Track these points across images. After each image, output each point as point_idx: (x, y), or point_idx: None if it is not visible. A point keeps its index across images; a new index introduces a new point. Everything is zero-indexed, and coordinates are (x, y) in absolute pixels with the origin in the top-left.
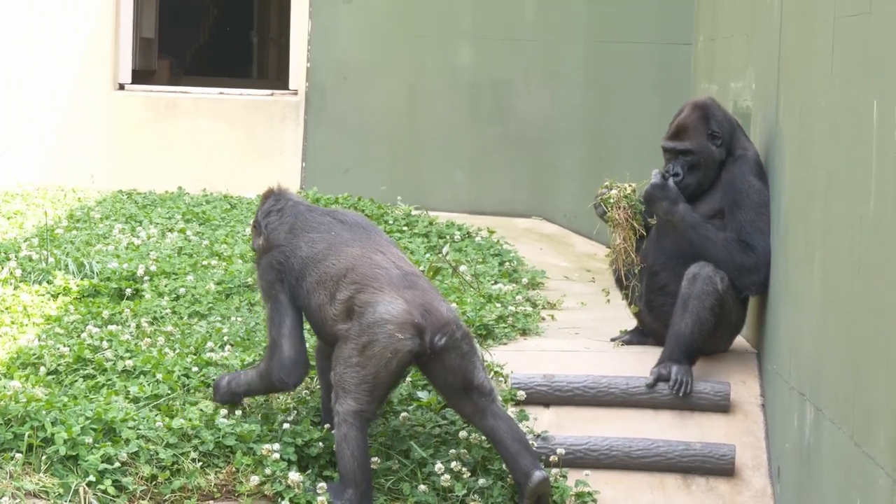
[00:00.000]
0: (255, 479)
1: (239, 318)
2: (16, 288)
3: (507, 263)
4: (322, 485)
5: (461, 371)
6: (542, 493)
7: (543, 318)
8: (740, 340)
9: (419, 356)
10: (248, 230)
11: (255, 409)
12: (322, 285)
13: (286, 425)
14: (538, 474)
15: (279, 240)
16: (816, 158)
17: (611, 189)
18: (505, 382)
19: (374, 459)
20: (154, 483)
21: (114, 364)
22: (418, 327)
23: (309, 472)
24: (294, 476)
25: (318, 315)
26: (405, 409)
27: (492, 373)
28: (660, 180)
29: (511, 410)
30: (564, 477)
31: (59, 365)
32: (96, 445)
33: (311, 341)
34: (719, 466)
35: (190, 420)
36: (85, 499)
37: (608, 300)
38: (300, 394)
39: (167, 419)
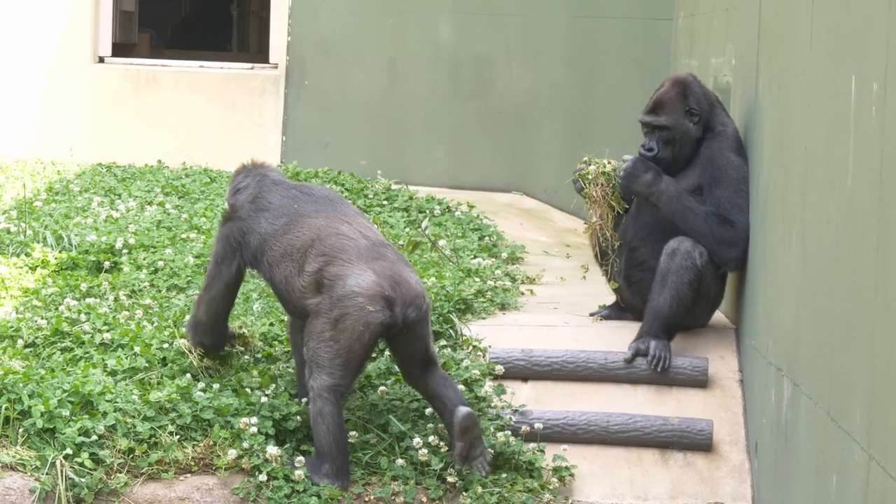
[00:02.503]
0: (232, 453)
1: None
2: None
3: (487, 238)
4: (300, 458)
5: (423, 341)
6: (468, 426)
7: (522, 293)
8: (719, 316)
9: (390, 328)
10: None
11: (233, 382)
12: (288, 257)
13: (264, 399)
14: (463, 409)
15: (242, 213)
16: (795, 134)
17: (589, 164)
18: (483, 357)
19: (352, 433)
20: (131, 456)
21: (91, 337)
22: (388, 299)
23: (287, 445)
24: (272, 450)
25: (283, 286)
26: (383, 384)
27: (470, 347)
28: (639, 157)
29: (489, 385)
30: (542, 451)
31: (36, 338)
32: (73, 418)
33: (278, 312)
34: (697, 442)
35: (167, 393)
36: (62, 471)
37: (584, 276)
38: (278, 368)
39: (144, 392)
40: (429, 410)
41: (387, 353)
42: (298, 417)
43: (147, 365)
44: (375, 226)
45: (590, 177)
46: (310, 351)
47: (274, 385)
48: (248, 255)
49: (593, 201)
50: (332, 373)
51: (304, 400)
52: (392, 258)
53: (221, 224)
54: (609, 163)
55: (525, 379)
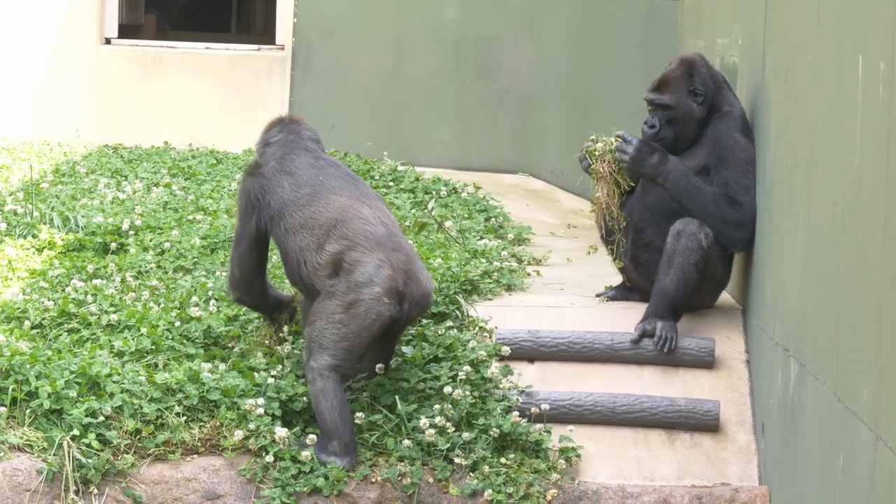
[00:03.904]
0: (239, 434)
1: (224, 273)
2: (0, 242)
3: (493, 219)
4: (312, 436)
5: (401, 329)
6: None
7: (529, 274)
8: (725, 297)
9: (396, 322)
10: (235, 184)
11: (239, 364)
12: (307, 229)
13: (270, 380)
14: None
15: (265, 170)
16: (802, 114)
17: (597, 142)
18: (490, 338)
19: (359, 414)
20: (138, 437)
21: (98, 318)
22: (401, 295)
23: (294, 429)
24: (280, 431)
25: (295, 256)
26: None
27: (476, 328)
28: (643, 140)
29: (495, 366)
30: (548, 432)
31: (43, 319)
32: (80, 399)
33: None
34: (704, 422)
35: (174, 375)
36: (69, 452)
37: (590, 252)
38: (284, 349)
39: (151, 373)
40: (434, 389)
41: None
42: (305, 399)
43: (153, 347)
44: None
45: (597, 153)
46: (315, 331)
47: (280, 366)
48: (265, 216)
49: (600, 178)
50: (336, 354)
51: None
52: (407, 250)
53: (244, 177)
54: (617, 140)
55: (531, 360)
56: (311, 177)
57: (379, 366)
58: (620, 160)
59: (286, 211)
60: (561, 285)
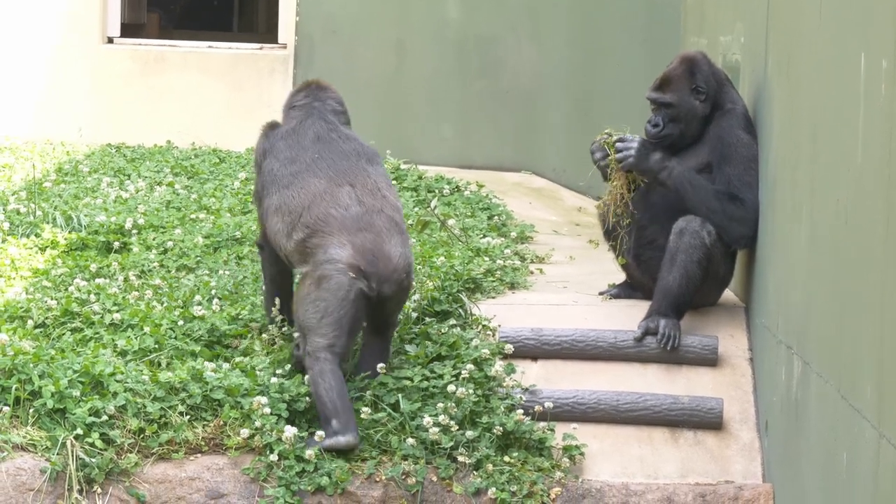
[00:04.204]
0: (244, 432)
1: (227, 272)
2: (3, 241)
3: (496, 217)
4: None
5: (389, 315)
6: None
7: (532, 272)
8: (728, 294)
9: (369, 298)
10: (238, 183)
11: (242, 364)
12: (280, 214)
13: (274, 379)
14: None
15: (274, 134)
16: (804, 112)
17: (612, 136)
18: (493, 336)
19: (365, 410)
20: (141, 436)
21: (101, 317)
22: (364, 273)
23: (297, 427)
24: (289, 430)
25: (273, 239)
26: (391, 361)
27: (480, 326)
28: (643, 140)
29: (499, 364)
30: (552, 430)
31: (46, 318)
32: (84, 399)
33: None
34: (707, 420)
35: (178, 374)
36: (72, 452)
37: (595, 245)
38: (288, 347)
39: (154, 372)
40: (437, 388)
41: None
42: (307, 398)
43: (156, 346)
44: (390, 185)
45: (615, 144)
46: (299, 318)
47: (288, 365)
48: (260, 180)
49: (618, 168)
50: (325, 333)
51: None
52: (380, 228)
53: (259, 135)
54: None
55: (535, 358)
56: (306, 152)
57: (380, 365)
58: (623, 159)
59: (270, 187)
60: (564, 283)
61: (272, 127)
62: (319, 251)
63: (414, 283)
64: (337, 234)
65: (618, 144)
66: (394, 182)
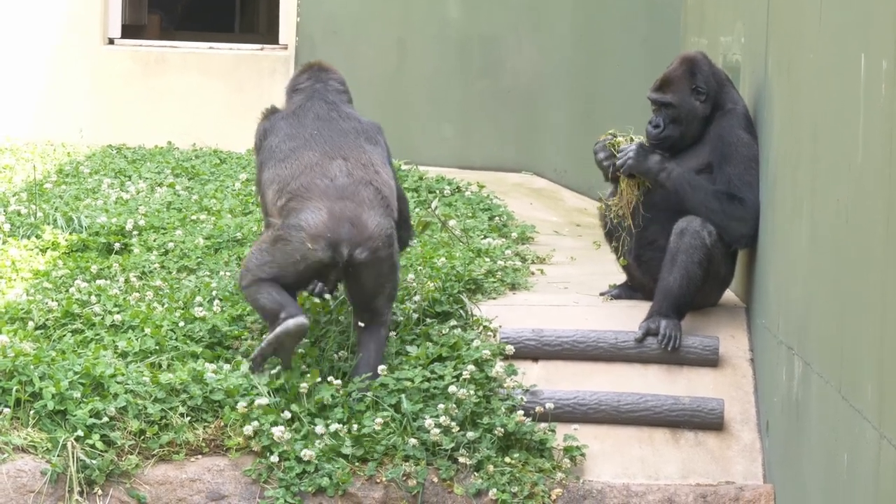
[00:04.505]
0: (247, 430)
1: (228, 273)
2: (4, 242)
3: (497, 218)
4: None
5: (369, 289)
6: None
7: (533, 273)
8: (729, 295)
9: (332, 267)
10: (239, 184)
11: (244, 362)
12: (273, 183)
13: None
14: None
15: (275, 116)
16: (804, 112)
17: (616, 136)
18: (494, 337)
19: (378, 420)
20: (142, 438)
21: (102, 319)
22: (332, 241)
23: (295, 425)
24: (277, 430)
25: (268, 209)
26: (391, 363)
27: (480, 327)
28: (640, 143)
29: (499, 365)
30: (553, 431)
31: (47, 320)
32: (84, 400)
33: None
34: (708, 421)
35: (178, 375)
36: (73, 453)
37: (598, 246)
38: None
39: (155, 374)
40: (438, 389)
41: (392, 334)
42: (305, 385)
43: (157, 347)
44: (386, 163)
45: (622, 144)
46: (246, 258)
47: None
48: (259, 157)
49: (619, 174)
50: (257, 274)
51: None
52: (362, 198)
53: (259, 119)
54: (635, 137)
55: (535, 359)
56: (306, 130)
57: (382, 367)
58: (622, 164)
59: (268, 163)
60: (565, 284)
61: (273, 111)
62: (293, 215)
63: (396, 261)
64: (316, 200)
65: (620, 152)
66: None
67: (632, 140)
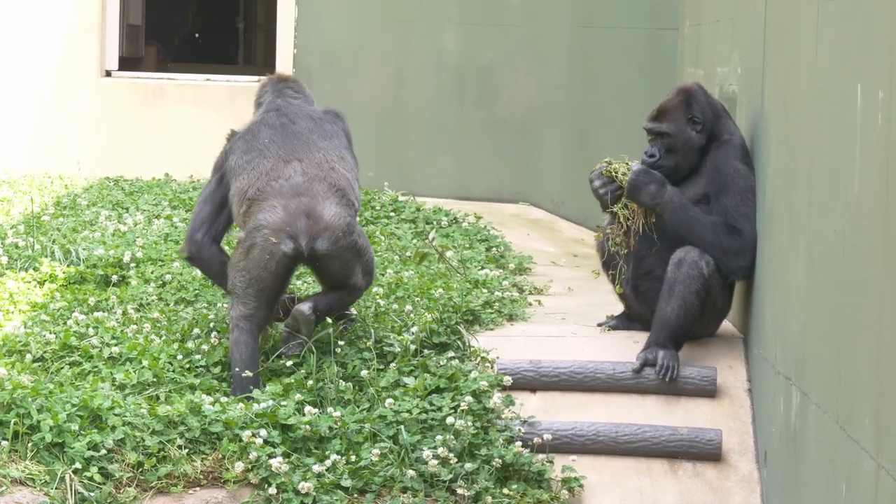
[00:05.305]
0: (240, 466)
1: (225, 305)
2: (2, 275)
3: (494, 249)
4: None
5: (341, 276)
6: (298, 319)
7: (530, 304)
8: (727, 325)
9: (297, 259)
10: None
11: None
12: (236, 195)
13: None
14: (304, 305)
15: (235, 136)
16: (801, 142)
17: (611, 164)
18: (491, 368)
19: (374, 450)
20: (140, 470)
21: (100, 351)
22: (292, 234)
23: (293, 457)
24: (275, 462)
25: (237, 221)
26: (391, 395)
27: (478, 358)
28: (643, 167)
29: (497, 396)
30: (551, 462)
31: (45, 352)
32: (82, 432)
33: None
34: (706, 451)
35: (176, 407)
36: (71, 486)
37: (596, 275)
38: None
39: (153, 406)
40: (436, 420)
41: (392, 365)
42: (308, 427)
43: (155, 379)
44: (344, 158)
45: (619, 172)
46: (230, 283)
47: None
48: (226, 178)
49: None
50: (246, 302)
51: (314, 410)
52: (317, 193)
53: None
54: (628, 165)
55: (533, 390)
56: (260, 141)
57: (306, 306)
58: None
59: (232, 181)
60: (562, 315)
61: (232, 134)
62: (251, 218)
63: (361, 244)
64: (272, 199)
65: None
66: (392, 214)
67: (627, 165)
